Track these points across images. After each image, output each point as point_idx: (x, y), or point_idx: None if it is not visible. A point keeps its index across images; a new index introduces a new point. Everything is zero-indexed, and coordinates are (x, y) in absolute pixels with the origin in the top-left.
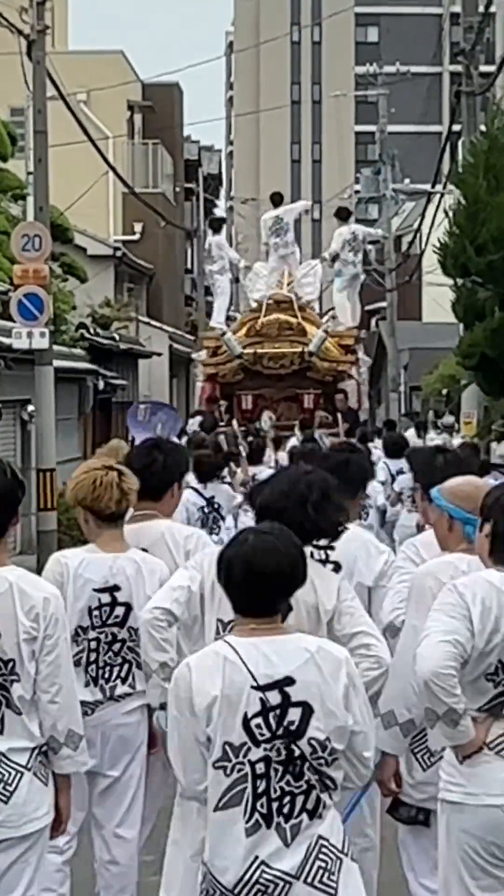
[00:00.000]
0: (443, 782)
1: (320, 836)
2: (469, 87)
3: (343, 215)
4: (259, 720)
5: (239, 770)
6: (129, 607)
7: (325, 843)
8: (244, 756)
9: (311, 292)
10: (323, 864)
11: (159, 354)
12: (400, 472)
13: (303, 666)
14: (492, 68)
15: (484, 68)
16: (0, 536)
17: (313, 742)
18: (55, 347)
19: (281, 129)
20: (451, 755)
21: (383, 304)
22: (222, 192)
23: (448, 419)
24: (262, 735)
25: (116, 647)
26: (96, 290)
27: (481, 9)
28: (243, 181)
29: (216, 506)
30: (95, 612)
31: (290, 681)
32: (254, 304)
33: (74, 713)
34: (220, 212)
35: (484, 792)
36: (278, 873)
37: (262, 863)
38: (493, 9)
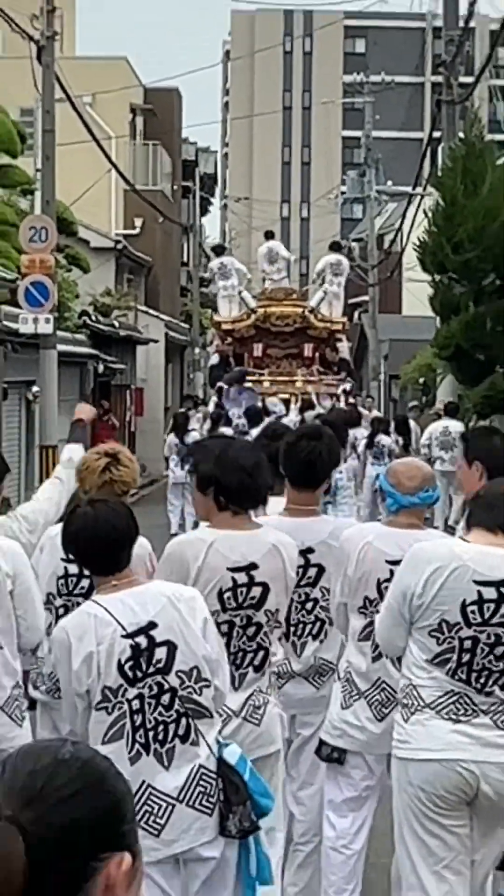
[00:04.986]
0: (395, 741)
1: (201, 766)
2: (449, 96)
3: (335, 247)
4: (131, 663)
5: (119, 708)
6: None
7: (205, 770)
8: (122, 696)
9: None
10: (203, 789)
11: (156, 341)
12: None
13: (162, 610)
14: (471, 79)
15: (463, 79)
16: None
17: (181, 674)
18: (59, 333)
19: (273, 132)
20: (399, 716)
21: (365, 297)
22: (217, 191)
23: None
24: (134, 676)
25: None
26: (98, 280)
27: (462, 23)
28: (237, 181)
29: None
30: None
31: (153, 625)
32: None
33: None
34: (214, 209)
35: (426, 748)
36: (161, 794)
37: (149, 785)
38: (472, 24)
